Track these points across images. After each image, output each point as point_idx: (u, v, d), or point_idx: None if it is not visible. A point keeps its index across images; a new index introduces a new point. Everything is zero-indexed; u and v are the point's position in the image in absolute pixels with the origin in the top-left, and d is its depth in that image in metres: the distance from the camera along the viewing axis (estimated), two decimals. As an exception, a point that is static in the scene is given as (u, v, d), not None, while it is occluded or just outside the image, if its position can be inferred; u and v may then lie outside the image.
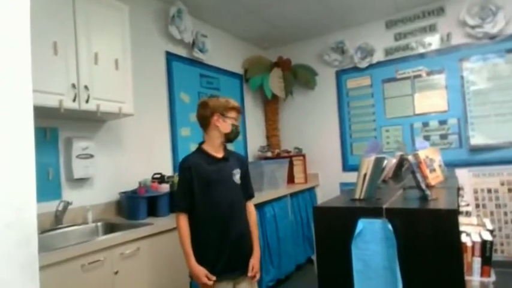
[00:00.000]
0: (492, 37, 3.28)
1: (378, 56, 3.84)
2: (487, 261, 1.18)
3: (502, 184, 3.30)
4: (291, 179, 4.05)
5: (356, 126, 4.03)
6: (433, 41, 3.57)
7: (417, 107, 3.66)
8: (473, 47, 3.38)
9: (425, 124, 3.62)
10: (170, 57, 3.08)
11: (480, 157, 3.35)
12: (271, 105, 4.40)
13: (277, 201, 3.36)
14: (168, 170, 2.93)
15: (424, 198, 1.47)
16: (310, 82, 4.25)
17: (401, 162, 2.26)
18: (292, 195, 3.68)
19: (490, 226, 1.35)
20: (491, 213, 3.32)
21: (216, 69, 3.68)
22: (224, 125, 1.81)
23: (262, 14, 3.53)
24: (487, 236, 1.20)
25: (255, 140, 4.24)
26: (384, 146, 3.71)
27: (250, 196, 1.99)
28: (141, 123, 2.76)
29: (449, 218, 1.21)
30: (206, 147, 1.85)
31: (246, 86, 4.15)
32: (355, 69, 3.99)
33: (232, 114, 1.83)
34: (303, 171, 4.10)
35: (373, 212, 1.36)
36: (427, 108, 3.61)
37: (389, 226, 1.28)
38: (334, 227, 1.44)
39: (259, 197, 2.98)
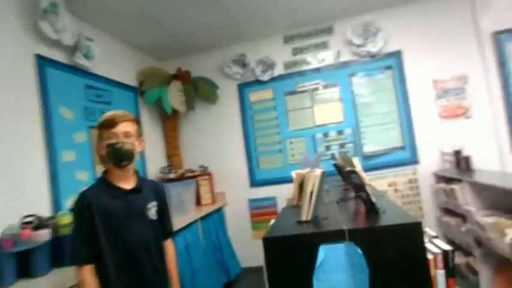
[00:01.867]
0: (373, 55, 3.69)
1: (279, 70, 3.90)
2: (450, 273, 1.14)
3: (390, 185, 3.70)
4: (197, 201, 3.70)
5: (261, 139, 3.98)
6: (326, 57, 3.83)
7: (317, 119, 3.84)
8: (359, 63, 3.75)
9: (326, 135, 3.81)
10: (43, 62, 2.40)
11: (372, 163, 3.69)
12: (170, 122, 3.98)
13: (188, 228, 2.98)
14: (45, 210, 2.23)
15: (373, 211, 1.38)
16: (211, 96, 4.02)
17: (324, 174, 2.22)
18: (202, 218, 3.34)
19: (433, 233, 1.34)
20: (385, 212, 3.67)
21: (106, 80, 3.10)
22: (100, 146, 1.45)
23: (159, 20, 3.15)
24: (446, 246, 1.16)
25: (154, 160, 3.74)
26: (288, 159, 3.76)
27: (169, 233, 1.65)
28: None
29: (416, 232, 1.13)
30: (110, 176, 1.48)
31: (142, 100, 3.65)
32: (257, 83, 3.96)
33: (106, 131, 1.43)
34: (210, 191, 3.80)
35: (334, 235, 1.18)
36: (326, 120, 3.82)
37: (359, 250, 1.12)
38: (290, 259, 1.21)
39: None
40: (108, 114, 1.47)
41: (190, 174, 3.74)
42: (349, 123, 3.76)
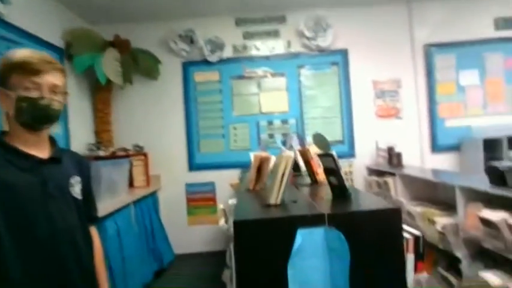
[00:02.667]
0: (322, 50, 3.77)
1: (228, 52, 3.75)
2: (420, 257, 1.17)
3: (325, 177, 3.85)
4: (129, 183, 3.38)
5: (204, 122, 3.79)
6: (277, 46, 3.80)
7: (263, 106, 3.80)
8: (308, 56, 3.80)
9: (270, 123, 3.80)
10: None
11: (312, 154, 3.79)
12: (102, 94, 3.55)
13: (120, 212, 2.68)
14: None
15: (343, 196, 1.37)
16: (152, 71, 3.69)
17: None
18: (135, 202, 3.05)
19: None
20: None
21: (24, 33, 2.59)
22: (7, 102, 1.03)
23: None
24: (416, 232, 1.19)
25: (79, 135, 3.29)
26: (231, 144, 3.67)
27: (95, 219, 1.33)
28: None
29: (396, 218, 1.13)
30: (12, 141, 1.06)
31: (70, 66, 3.16)
32: (204, 63, 3.75)
33: (23, 78, 1.02)
34: (145, 173, 3.50)
35: (313, 219, 1.12)
36: (271, 108, 3.80)
37: (341, 235, 1.07)
38: (264, 243, 1.11)
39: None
40: (25, 53, 1.05)
41: (123, 153, 3.39)
42: (294, 114, 3.80)
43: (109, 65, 3.31)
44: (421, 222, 2.51)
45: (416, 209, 2.61)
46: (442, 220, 2.27)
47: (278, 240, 1.09)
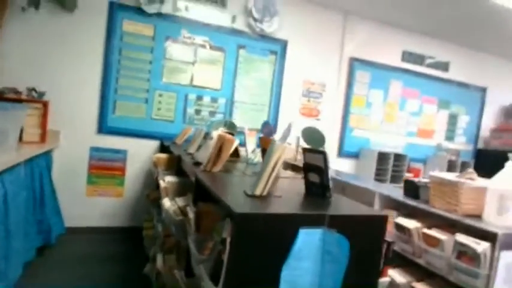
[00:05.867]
0: (264, 35, 3.72)
1: (167, 7, 3.31)
2: (388, 262, 1.27)
3: (242, 162, 3.87)
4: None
5: (125, 81, 3.28)
6: (221, 17, 3.55)
7: (195, 78, 3.52)
8: (250, 38, 3.68)
9: (200, 98, 3.56)
10: None
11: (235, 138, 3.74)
12: (-9, 11, 2.66)
13: (8, 172, 2.09)
14: None
15: (322, 195, 1.38)
16: (68, 0, 2.96)
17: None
18: (26, 161, 2.44)
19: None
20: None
21: None
22: None
23: None
24: (389, 238, 1.29)
25: None
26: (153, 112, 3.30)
27: None
28: None
29: (382, 223, 1.20)
30: None
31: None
32: (138, 11, 3.22)
33: None
34: (41, 126, 2.82)
35: (314, 220, 1.09)
36: (203, 82, 3.55)
37: (345, 239, 1.07)
38: (263, 240, 1.02)
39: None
40: None
41: (13, 96, 2.63)
42: (225, 93, 3.65)
43: (12, -23, 2.49)
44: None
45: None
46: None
47: (276, 236, 1.03)
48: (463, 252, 1.70)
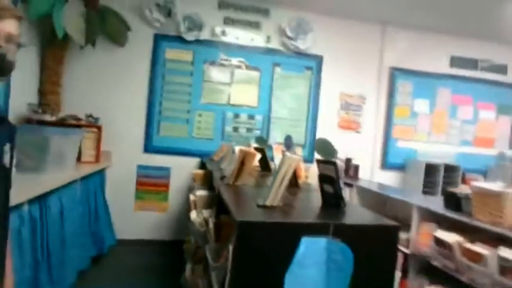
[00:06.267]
0: (299, 52, 3.78)
1: (206, 34, 3.55)
2: (405, 274, 1.21)
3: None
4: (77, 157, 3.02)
5: (168, 103, 3.55)
6: (256, 39, 3.71)
7: (232, 98, 3.68)
8: (285, 56, 3.78)
9: (237, 116, 3.70)
10: None
11: (273, 153, 3.80)
12: (56, 50, 3.10)
13: (66, 188, 2.37)
14: None
15: (337, 206, 1.36)
16: (119, 36, 3.34)
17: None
18: (82, 179, 2.74)
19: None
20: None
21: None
22: None
23: None
24: (406, 250, 1.23)
25: (19, 92, 2.82)
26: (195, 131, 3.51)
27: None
28: None
29: (394, 233, 1.15)
30: None
31: (22, 8, 2.69)
32: (179, 39, 3.50)
33: None
34: (95, 148, 3.16)
35: (318, 229, 1.09)
36: (240, 101, 3.70)
37: (348, 248, 1.06)
38: (264, 248, 1.05)
39: (39, 183, 2.02)
40: None
41: (74, 122, 3.01)
42: (262, 110, 3.76)
43: (71, 18, 2.89)
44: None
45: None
46: (395, 235, 2.43)
47: (279, 245, 1.06)
48: (507, 268, 1.54)
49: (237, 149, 1.92)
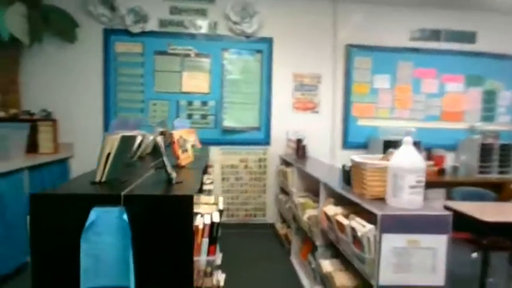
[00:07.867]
0: (247, 36, 3.82)
1: (152, 25, 3.67)
2: (213, 241, 1.31)
3: (241, 161, 3.99)
4: (32, 149, 3.28)
5: (123, 95, 3.73)
6: (203, 26, 3.78)
7: (184, 85, 3.80)
8: (233, 41, 3.83)
9: (190, 103, 3.83)
10: None
11: (229, 137, 3.90)
12: (8, 51, 3.35)
13: (7, 176, 2.63)
14: None
15: (169, 181, 1.47)
16: (67, 33, 3.53)
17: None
18: (34, 168, 2.99)
19: (221, 206, 1.52)
20: (232, 185, 3.97)
21: None
22: None
23: None
24: (216, 218, 1.33)
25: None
26: (147, 120, 3.66)
27: None
28: None
29: (187, 204, 1.25)
30: None
31: (-33, 16, 2.94)
32: (127, 33, 3.65)
33: None
34: (53, 140, 3.41)
35: (110, 199, 1.21)
36: (192, 88, 3.82)
37: (125, 216, 1.18)
38: (60, 219, 1.20)
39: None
40: None
41: (25, 117, 3.27)
42: (214, 96, 3.85)
43: (13, 20, 3.11)
44: (300, 211, 2.73)
45: (300, 199, 2.82)
46: (310, 212, 2.49)
47: (74, 215, 1.18)
48: (356, 237, 1.58)
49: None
